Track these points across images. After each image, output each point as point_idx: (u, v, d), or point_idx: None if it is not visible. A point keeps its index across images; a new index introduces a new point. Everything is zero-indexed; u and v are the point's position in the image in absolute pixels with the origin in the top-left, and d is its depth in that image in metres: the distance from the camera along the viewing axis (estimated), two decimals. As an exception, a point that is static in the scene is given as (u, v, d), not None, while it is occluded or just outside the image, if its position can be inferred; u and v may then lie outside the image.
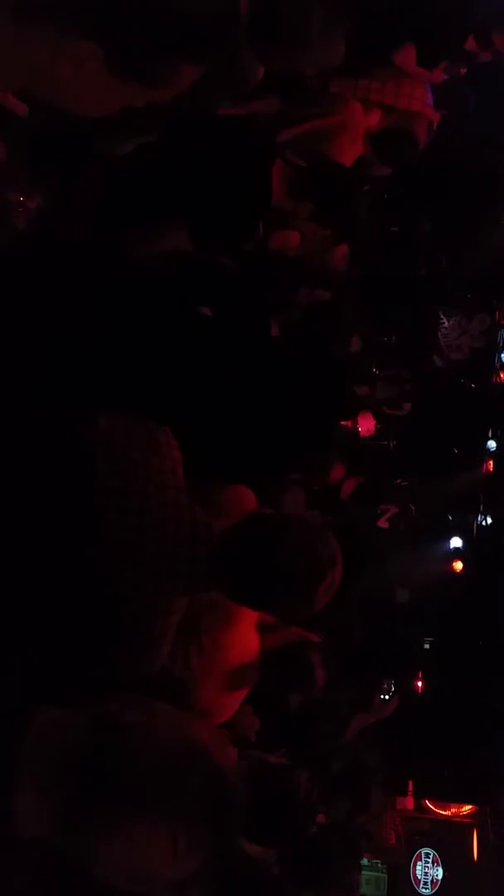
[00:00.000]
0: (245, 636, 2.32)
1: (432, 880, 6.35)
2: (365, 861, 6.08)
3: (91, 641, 1.48)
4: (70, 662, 1.49)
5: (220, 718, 2.23)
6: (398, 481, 6.26)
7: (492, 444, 6.86)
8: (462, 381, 6.81)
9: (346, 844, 2.87)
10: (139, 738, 1.51)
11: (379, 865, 6.25)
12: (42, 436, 1.50)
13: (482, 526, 7.02)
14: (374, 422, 5.44)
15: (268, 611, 1.93)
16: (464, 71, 3.87)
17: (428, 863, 6.41)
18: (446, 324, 6.71)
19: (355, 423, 4.90)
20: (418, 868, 6.40)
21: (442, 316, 6.70)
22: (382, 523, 4.75)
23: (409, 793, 6.62)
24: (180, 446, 1.61)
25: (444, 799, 6.73)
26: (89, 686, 1.56)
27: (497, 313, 6.75)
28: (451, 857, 6.41)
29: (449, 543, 6.94)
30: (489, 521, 7.04)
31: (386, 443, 5.98)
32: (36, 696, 1.50)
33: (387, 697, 4.03)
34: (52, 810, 1.44)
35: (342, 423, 4.08)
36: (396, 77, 3.50)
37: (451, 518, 7.02)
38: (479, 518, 7.02)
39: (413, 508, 5.56)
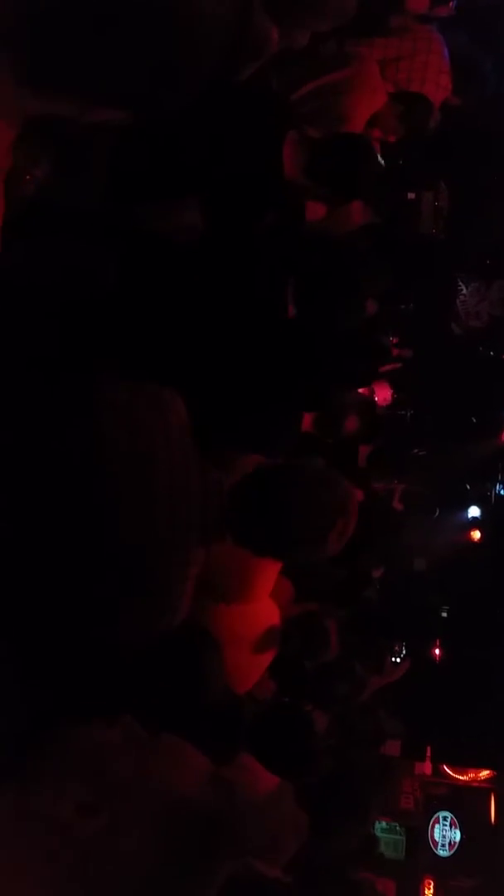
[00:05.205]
0: (263, 606, 2.35)
1: (450, 842, 6.45)
2: (384, 824, 6.20)
3: (107, 596, 1.49)
4: (87, 621, 1.51)
5: (244, 688, 2.28)
6: (415, 451, 6.24)
7: (510, 413, 6.81)
8: (480, 348, 6.74)
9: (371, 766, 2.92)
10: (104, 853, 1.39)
11: (397, 828, 6.36)
12: (47, 401, 1.51)
13: (500, 495, 6.99)
14: (391, 391, 5.41)
15: (281, 557, 1.94)
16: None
17: (445, 825, 6.51)
18: (465, 291, 6.63)
19: (372, 392, 4.88)
20: (436, 830, 6.50)
21: (460, 283, 6.61)
22: (397, 504, 4.75)
23: (428, 758, 6.69)
24: (190, 418, 1.62)
25: (462, 764, 6.80)
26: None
27: (516, 279, 6.65)
28: (469, 820, 6.50)
29: (467, 512, 6.93)
30: (507, 490, 7.02)
31: (403, 412, 5.95)
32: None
33: (398, 660, 4.07)
34: None
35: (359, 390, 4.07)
36: (410, 39, 3.44)
37: (468, 487, 7.00)
38: (497, 487, 6.99)
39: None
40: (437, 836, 6.49)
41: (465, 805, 6.59)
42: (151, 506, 1.50)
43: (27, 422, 1.48)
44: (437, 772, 6.79)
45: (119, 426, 1.51)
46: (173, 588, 1.54)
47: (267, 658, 2.38)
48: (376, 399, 4.98)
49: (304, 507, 1.57)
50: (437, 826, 6.51)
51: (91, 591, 1.48)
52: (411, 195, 4.59)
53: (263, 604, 2.36)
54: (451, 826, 6.50)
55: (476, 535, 6.88)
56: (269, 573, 2.32)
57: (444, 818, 6.53)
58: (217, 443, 1.84)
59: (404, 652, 4.16)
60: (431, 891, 6.27)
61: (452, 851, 6.42)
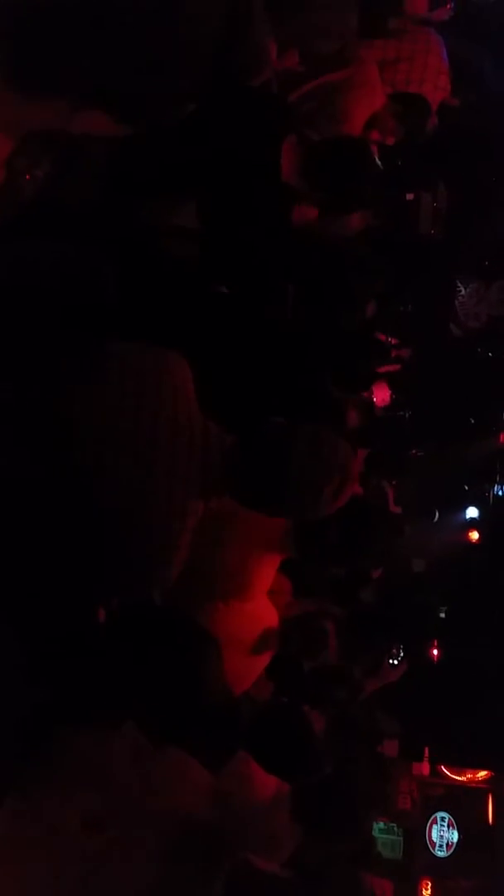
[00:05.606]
0: (261, 605, 2.35)
1: (447, 843, 6.46)
2: (381, 825, 6.20)
3: (106, 546, 1.51)
4: (86, 572, 1.52)
5: (239, 689, 2.28)
6: (414, 452, 6.24)
7: (509, 414, 6.81)
8: (479, 349, 6.74)
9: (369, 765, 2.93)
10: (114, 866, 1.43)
11: (395, 829, 6.36)
12: (55, 361, 1.54)
13: (498, 496, 7.00)
14: (390, 392, 5.41)
15: (276, 510, 1.95)
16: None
17: (443, 826, 6.52)
18: (463, 292, 6.63)
19: (370, 393, 4.88)
20: (434, 831, 6.50)
21: (459, 284, 6.62)
22: (394, 508, 4.75)
23: (425, 759, 6.70)
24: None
25: (460, 765, 6.81)
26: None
27: (516, 280, 6.64)
28: (467, 820, 6.51)
29: (465, 513, 6.94)
30: (506, 491, 7.02)
31: (402, 413, 5.95)
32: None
33: (395, 662, 4.07)
34: None
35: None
36: (409, 41, 3.45)
37: (467, 488, 7.01)
38: (495, 488, 7.00)
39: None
40: (434, 836, 6.49)
41: (463, 806, 6.59)
42: (154, 458, 1.53)
43: (34, 375, 1.51)
44: (435, 772, 6.79)
45: (125, 382, 1.55)
46: (171, 539, 1.56)
47: (264, 658, 2.38)
48: (375, 400, 4.97)
49: (302, 461, 1.61)
50: (434, 826, 6.52)
51: (90, 540, 1.51)
52: (410, 196, 4.59)
53: (261, 604, 2.36)
54: (448, 827, 6.51)
55: (474, 535, 6.88)
56: (266, 572, 2.32)
57: (442, 819, 6.53)
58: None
59: (402, 654, 4.16)
60: (429, 891, 6.27)
61: (450, 852, 6.43)
